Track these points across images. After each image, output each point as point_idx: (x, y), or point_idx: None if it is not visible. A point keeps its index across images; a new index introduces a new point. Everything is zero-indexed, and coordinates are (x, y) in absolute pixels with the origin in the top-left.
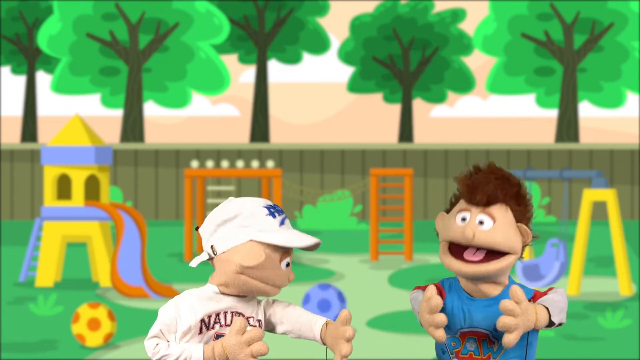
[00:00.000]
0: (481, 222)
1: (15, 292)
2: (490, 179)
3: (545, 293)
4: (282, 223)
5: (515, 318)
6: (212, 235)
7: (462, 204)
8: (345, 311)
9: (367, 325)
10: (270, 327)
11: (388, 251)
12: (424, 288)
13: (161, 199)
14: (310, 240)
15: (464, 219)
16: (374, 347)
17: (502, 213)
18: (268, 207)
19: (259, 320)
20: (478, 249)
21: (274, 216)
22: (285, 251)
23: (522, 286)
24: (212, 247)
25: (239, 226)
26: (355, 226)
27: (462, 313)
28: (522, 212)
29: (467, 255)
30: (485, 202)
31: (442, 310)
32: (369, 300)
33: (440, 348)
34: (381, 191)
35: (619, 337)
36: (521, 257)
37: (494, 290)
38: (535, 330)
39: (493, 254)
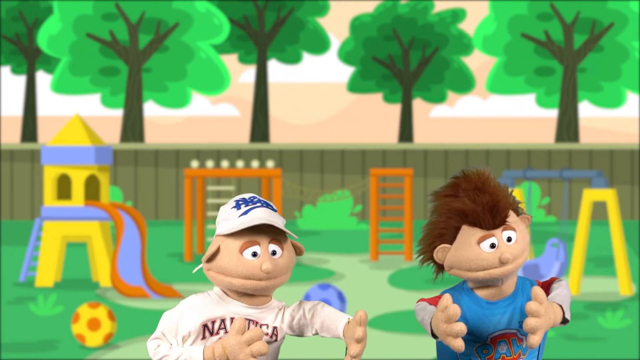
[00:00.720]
0: (509, 239)
1: (15, 292)
2: (491, 196)
3: (549, 283)
4: (245, 213)
5: (539, 319)
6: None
7: (476, 230)
8: (360, 312)
9: (367, 325)
10: (299, 331)
11: (388, 251)
12: (429, 301)
13: (161, 199)
14: (255, 221)
15: (493, 246)
16: (374, 347)
17: (515, 220)
18: (238, 200)
19: (275, 327)
20: None
21: (239, 207)
22: (247, 240)
23: (524, 278)
24: None
25: (216, 224)
26: (355, 226)
27: (487, 319)
28: (513, 201)
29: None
30: (504, 219)
31: (465, 321)
32: (369, 300)
33: (477, 356)
34: (381, 191)
35: (619, 337)
36: None
37: (510, 288)
38: None
39: None
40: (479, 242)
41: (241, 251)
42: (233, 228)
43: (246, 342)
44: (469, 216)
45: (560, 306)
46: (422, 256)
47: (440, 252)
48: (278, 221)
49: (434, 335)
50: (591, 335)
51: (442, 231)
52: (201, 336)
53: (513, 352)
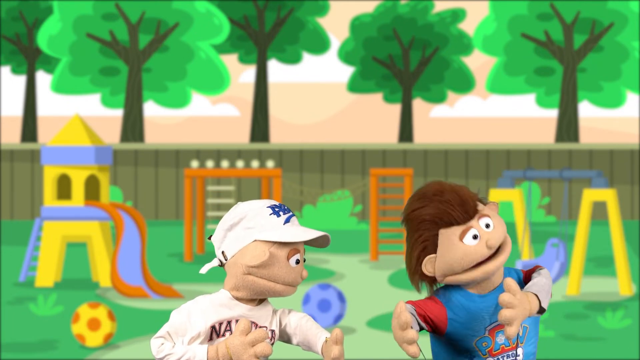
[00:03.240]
0: (487, 225)
1: (15, 292)
2: (455, 194)
3: (531, 271)
4: (287, 221)
5: (514, 310)
6: (222, 242)
7: (454, 229)
8: (337, 330)
9: (367, 325)
10: (285, 338)
11: (388, 251)
12: (414, 303)
13: (161, 199)
14: (314, 233)
15: (475, 237)
16: (374, 347)
17: (484, 208)
18: (272, 207)
19: (272, 330)
20: None
21: (278, 215)
22: (293, 248)
23: (509, 268)
24: (222, 253)
25: (244, 228)
26: (355, 226)
27: (481, 312)
28: (476, 194)
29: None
30: (473, 211)
31: (459, 319)
32: (369, 300)
33: (463, 357)
34: (381, 191)
35: (619, 337)
36: None
37: (499, 278)
38: None
39: None
40: (461, 237)
41: (288, 258)
42: (291, 237)
43: (250, 343)
44: (442, 218)
45: (537, 296)
46: (414, 279)
47: (429, 264)
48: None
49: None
50: (591, 335)
51: (423, 244)
52: (209, 338)
53: (511, 341)
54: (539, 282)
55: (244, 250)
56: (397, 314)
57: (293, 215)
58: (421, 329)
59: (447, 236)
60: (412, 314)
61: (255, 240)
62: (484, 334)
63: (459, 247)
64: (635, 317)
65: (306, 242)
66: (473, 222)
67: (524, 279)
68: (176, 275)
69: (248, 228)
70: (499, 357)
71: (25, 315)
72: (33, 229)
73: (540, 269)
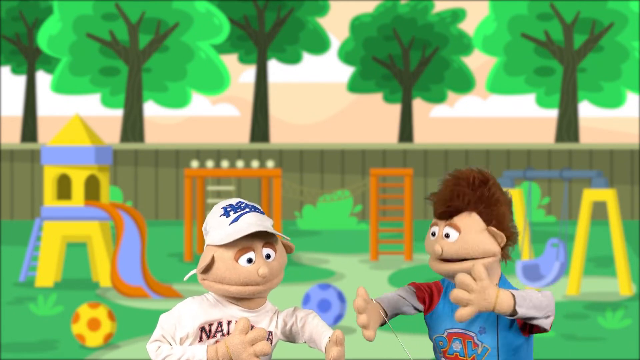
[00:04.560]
0: (447, 235)
1: (15, 292)
2: (451, 189)
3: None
4: (235, 220)
5: (469, 293)
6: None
7: (434, 219)
8: (337, 331)
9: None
10: (291, 338)
11: (388, 251)
12: (415, 285)
13: (161, 199)
14: (249, 229)
15: (433, 234)
16: (374, 347)
17: (467, 222)
18: (225, 207)
19: (270, 332)
20: None
21: (227, 215)
22: (241, 248)
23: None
24: None
25: (206, 234)
26: (355, 226)
27: (449, 313)
28: (491, 212)
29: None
30: (447, 215)
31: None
32: None
33: (436, 347)
34: (381, 191)
35: (619, 337)
36: (508, 257)
37: None
38: (525, 337)
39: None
40: (430, 228)
41: (236, 259)
42: (226, 238)
43: (249, 341)
44: (431, 204)
45: (514, 296)
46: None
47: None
48: (268, 224)
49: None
50: (591, 335)
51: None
52: (198, 339)
53: (467, 354)
54: (529, 292)
55: (202, 255)
56: (356, 297)
57: (249, 212)
58: (419, 310)
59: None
60: (403, 297)
61: (207, 245)
62: (441, 334)
63: (428, 234)
64: (635, 317)
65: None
66: (441, 223)
67: None
68: (176, 275)
69: (207, 233)
70: None
71: (25, 315)
72: (33, 229)
73: (545, 292)
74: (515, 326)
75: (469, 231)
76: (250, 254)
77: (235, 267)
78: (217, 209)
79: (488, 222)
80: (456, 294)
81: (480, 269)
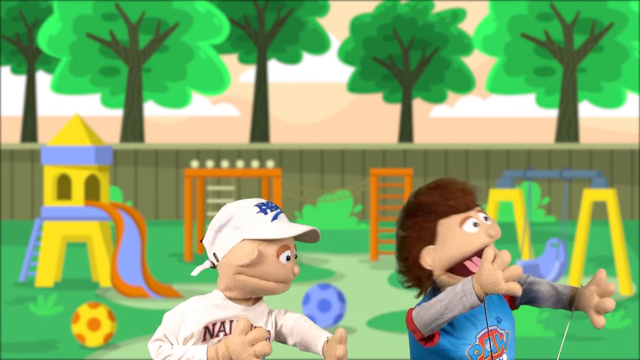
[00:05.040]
0: (486, 218)
1: (15, 292)
2: (454, 182)
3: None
4: (274, 218)
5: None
6: (213, 244)
7: (454, 217)
8: (340, 330)
9: (367, 325)
10: (281, 339)
11: (388, 251)
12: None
13: (161, 199)
14: (302, 228)
15: (475, 224)
16: (374, 347)
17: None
18: (259, 205)
19: (268, 331)
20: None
21: (265, 212)
22: (282, 245)
23: None
24: (214, 254)
25: (233, 229)
26: (355, 226)
27: (469, 321)
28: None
29: (472, 267)
30: (474, 202)
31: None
32: (369, 300)
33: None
34: (381, 191)
35: (619, 337)
36: None
37: None
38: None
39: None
40: (461, 224)
41: (278, 255)
42: (276, 233)
43: (250, 342)
44: (441, 207)
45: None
46: (410, 274)
47: (427, 255)
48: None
49: (478, 300)
50: (591, 335)
51: (419, 234)
52: (202, 338)
53: (497, 347)
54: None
55: (234, 250)
56: (489, 257)
57: (281, 212)
58: (423, 338)
59: (447, 224)
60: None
61: (244, 240)
62: (474, 342)
63: (459, 233)
64: (635, 317)
65: (297, 238)
66: (472, 212)
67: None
68: (176, 275)
69: (236, 228)
70: None
71: (25, 315)
72: (33, 229)
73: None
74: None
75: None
76: (289, 252)
77: (278, 263)
78: (249, 206)
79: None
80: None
81: (343, 333)
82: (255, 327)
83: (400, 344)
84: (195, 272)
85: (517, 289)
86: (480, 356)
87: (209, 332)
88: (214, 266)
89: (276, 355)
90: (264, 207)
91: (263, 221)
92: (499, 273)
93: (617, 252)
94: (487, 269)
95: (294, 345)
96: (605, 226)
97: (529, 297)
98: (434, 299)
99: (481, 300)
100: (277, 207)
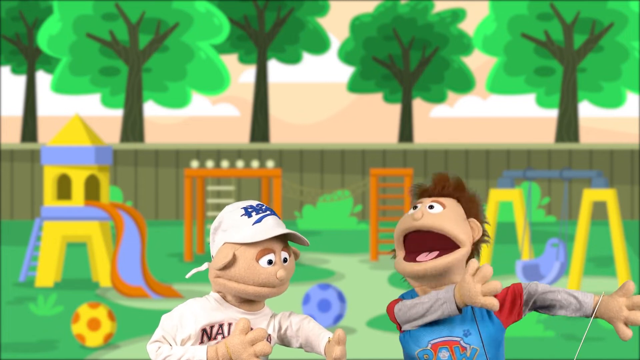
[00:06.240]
0: (431, 207)
1: (15, 292)
2: (439, 177)
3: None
4: (258, 221)
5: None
6: (212, 246)
7: (416, 200)
8: (339, 330)
9: (367, 325)
10: (286, 342)
11: (388, 251)
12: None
13: (161, 199)
14: (278, 230)
15: (415, 207)
16: (374, 347)
17: (452, 203)
18: (245, 208)
19: (269, 334)
20: (430, 251)
21: (250, 215)
22: (263, 248)
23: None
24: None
25: (221, 232)
26: (355, 226)
27: (429, 325)
28: (469, 208)
29: (420, 257)
30: (436, 193)
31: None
32: (369, 300)
33: None
34: (381, 191)
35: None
36: (476, 256)
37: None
38: (504, 330)
39: (444, 252)
40: (411, 206)
41: (257, 259)
42: (251, 237)
43: (250, 342)
44: (415, 191)
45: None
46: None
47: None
48: (292, 230)
49: (457, 309)
50: (591, 335)
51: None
52: (199, 340)
53: (455, 359)
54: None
55: (217, 253)
56: (473, 269)
57: (269, 215)
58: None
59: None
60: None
61: (225, 243)
62: (425, 347)
63: (405, 215)
64: None
65: (289, 240)
66: (425, 199)
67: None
68: (176, 275)
69: (223, 231)
70: None
71: (25, 315)
72: (33, 229)
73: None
74: (496, 321)
75: (452, 211)
76: (271, 256)
77: (256, 267)
78: (236, 209)
79: (468, 216)
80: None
81: (474, 263)
82: (255, 328)
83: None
84: (189, 274)
85: (493, 304)
86: None
87: (206, 335)
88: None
89: (276, 355)
90: (249, 210)
91: (244, 224)
92: (478, 287)
93: (617, 252)
94: (468, 282)
95: (300, 347)
96: (605, 226)
97: (544, 305)
98: (417, 300)
99: (460, 310)
100: (266, 210)
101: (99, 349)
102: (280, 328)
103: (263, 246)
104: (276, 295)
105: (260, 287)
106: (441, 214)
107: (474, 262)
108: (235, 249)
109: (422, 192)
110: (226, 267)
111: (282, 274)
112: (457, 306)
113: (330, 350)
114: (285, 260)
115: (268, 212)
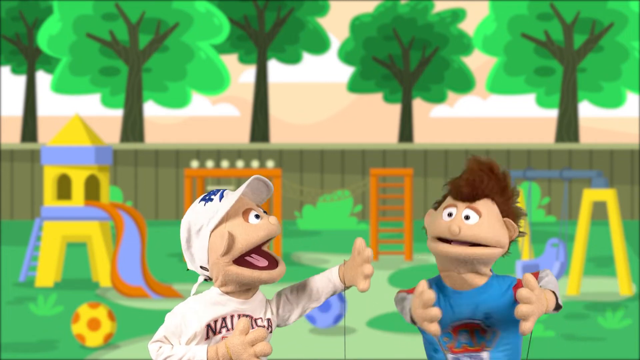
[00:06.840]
0: (467, 217)
1: (15, 292)
2: (478, 174)
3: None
4: (221, 196)
5: (531, 305)
6: (193, 262)
7: (449, 200)
8: (359, 239)
9: (367, 325)
10: (285, 318)
11: (388, 251)
12: (408, 291)
13: (161, 199)
14: (241, 188)
15: (450, 215)
16: (374, 347)
17: (487, 207)
18: (202, 198)
19: (269, 319)
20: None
21: (211, 199)
22: (244, 210)
23: (505, 276)
24: (201, 267)
25: (196, 234)
26: (355, 226)
27: (450, 307)
28: (507, 203)
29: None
30: (471, 198)
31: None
32: (369, 300)
33: (431, 348)
34: (381, 191)
35: (619, 337)
36: (508, 251)
37: (479, 280)
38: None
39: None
40: (444, 208)
41: (246, 219)
42: (229, 204)
43: (250, 342)
44: (450, 187)
45: (554, 293)
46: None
47: (427, 215)
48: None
49: (412, 322)
50: (591, 335)
51: (437, 205)
52: (205, 337)
53: (476, 342)
54: (551, 280)
55: (210, 248)
56: (418, 292)
57: (225, 190)
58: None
59: (445, 203)
60: (404, 298)
61: (210, 234)
62: (446, 329)
63: (437, 214)
64: (635, 317)
65: (257, 197)
66: (459, 204)
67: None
68: (176, 275)
69: (198, 231)
70: (460, 355)
71: (25, 315)
72: (33, 229)
73: (546, 270)
74: (514, 305)
75: (489, 217)
76: (254, 212)
77: (251, 226)
78: (195, 205)
79: (504, 212)
80: (521, 309)
81: (531, 279)
82: (253, 320)
83: (401, 344)
84: (193, 290)
85: (433, 332)
86: (451, 345)
87: (211, 330)
88: (209, 278)
89: (276, 355)
90: (207, 197)
91: (213, 207)
92: (419, 311)
93: (617, 252)
94: (415, 303)
95: (302, 313)
96: (605, 226)
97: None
98: (401, 296)
99: (414, 324)
100: (219, 189)
101: (99, 349)
102: (278, 307)
103: (242, 209)
104: (279, 278)
105: (269, 271)
106: (478, 225)
107: (420, 285)
108: (223, 228)
109: (457, 193)
110: (229, 247)
111: (274, 219)
112: (410, 318)
113: (353, 270)
114: (265, 212)
115: (224, 189)
